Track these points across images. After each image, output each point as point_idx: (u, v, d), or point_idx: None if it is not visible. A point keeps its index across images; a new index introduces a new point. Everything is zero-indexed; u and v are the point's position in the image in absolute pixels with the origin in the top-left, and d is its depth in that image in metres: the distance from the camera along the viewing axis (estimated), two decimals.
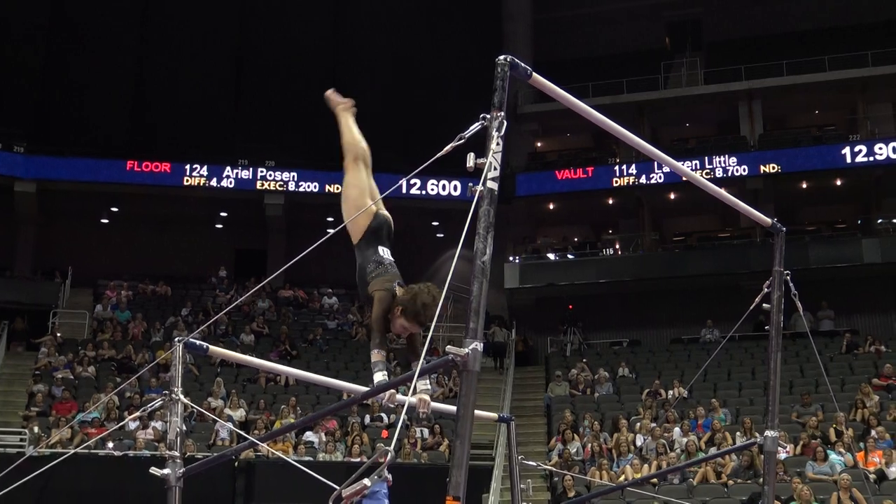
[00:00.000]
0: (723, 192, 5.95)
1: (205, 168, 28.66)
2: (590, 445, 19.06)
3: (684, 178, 5.36)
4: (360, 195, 5.47)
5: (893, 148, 27.05)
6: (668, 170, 26.52)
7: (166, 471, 5.49)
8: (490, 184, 3.70)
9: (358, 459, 17.90)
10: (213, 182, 28.75)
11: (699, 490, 16.73)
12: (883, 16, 29.85)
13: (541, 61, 29.01)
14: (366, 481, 3.47)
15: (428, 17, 31.08)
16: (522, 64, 4.00)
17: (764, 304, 6.24)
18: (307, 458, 17.81)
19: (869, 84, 28.94)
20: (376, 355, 5.07)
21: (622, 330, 27.87)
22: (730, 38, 31.28)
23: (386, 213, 5.50)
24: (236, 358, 7.00)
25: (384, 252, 5.31)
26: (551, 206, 30.53)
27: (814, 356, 19.85)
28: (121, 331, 24.95)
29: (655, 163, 26.57)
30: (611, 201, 30.24)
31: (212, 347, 6.16)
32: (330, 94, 5.88)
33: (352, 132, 5.73)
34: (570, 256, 29.70)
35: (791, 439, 17.99)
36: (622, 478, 17.03)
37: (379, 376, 4.99)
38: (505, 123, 3.79)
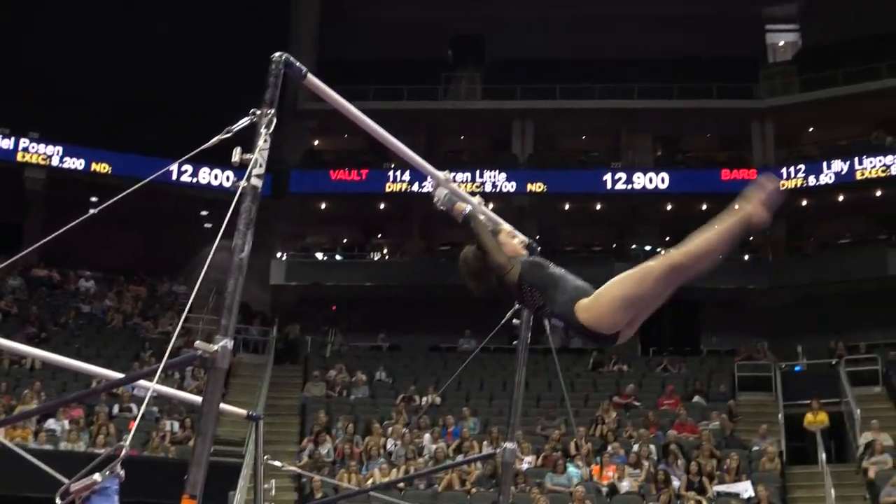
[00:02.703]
0: (478, 202, 5.71)
1: None
2: (342, 447, 19.12)
3: None
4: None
5: (650, 178, 28.47)
6: None
7: None
8: (254, 180, 3.64)
9: (102, 450, 17.24)
10: None
11: (443, 496, 17.09)
12: (650, 54, 31.19)
13: (327, 58, 28.89)
14: (96, 476, 3.35)
15: (215, 2, 30.34)
16: (297, 63, 3.97)
17: (514, 320, 6.41)
18: (48, 447, 17.01)
19: (632, 115, 30.30)
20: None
21: (384, 334, 28.04)
22: (510, 57, 31.98)
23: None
24: None
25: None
26: (323, 206, 30.37)
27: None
28: None
29: None
30: (382, 206, 30.35)
31: None
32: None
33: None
34: (337, 257, 29.69)
35: (534, 450, 18.65)
36: (370, 481, 17.18)
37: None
38: (275, 121, 3.75)
